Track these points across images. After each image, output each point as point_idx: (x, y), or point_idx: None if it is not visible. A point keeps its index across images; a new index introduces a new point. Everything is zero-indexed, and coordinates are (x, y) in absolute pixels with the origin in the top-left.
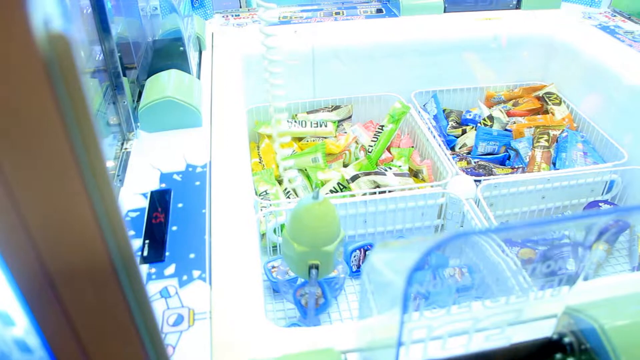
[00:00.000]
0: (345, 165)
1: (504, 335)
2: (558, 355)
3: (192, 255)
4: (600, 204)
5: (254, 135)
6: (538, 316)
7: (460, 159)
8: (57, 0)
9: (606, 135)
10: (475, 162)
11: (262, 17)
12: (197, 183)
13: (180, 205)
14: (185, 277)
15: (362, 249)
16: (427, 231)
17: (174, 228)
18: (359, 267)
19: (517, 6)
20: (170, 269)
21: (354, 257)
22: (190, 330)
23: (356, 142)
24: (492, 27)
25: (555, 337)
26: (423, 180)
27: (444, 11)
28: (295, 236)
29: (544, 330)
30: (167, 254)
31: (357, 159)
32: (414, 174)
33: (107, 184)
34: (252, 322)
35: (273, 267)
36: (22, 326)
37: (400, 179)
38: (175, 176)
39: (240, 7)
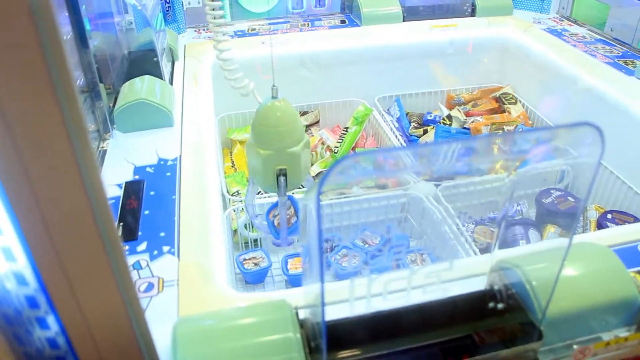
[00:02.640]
0: (312, 165)
1: (439, 288)
2: (491, 304)
3: (162, 234)
4: (552, 191)
5: (226, 142)
6: (475, 274)
7: (423, 174)
8: None
9: (554, 127)
10: (437, 176)
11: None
12: (168, 174)
13: (152, 193)
14: (155, 252)
15: (328, 240)
16: (391, 224)
17: (147, 212)
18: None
19: (472, 13)
20: (142, 246)
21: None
22: (160, 295)
23: (322, 143)
24: (448, 33)
25: (487, 288)
26: None
27: (403, 20)
28: (259, 140)
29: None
30: (139, 234)
31: (322, 158)
32: (381, 187)
33: (90, 153)
34: (215, 287)
35: (245, 259)
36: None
37: (365, 191)
38: (148, 169)
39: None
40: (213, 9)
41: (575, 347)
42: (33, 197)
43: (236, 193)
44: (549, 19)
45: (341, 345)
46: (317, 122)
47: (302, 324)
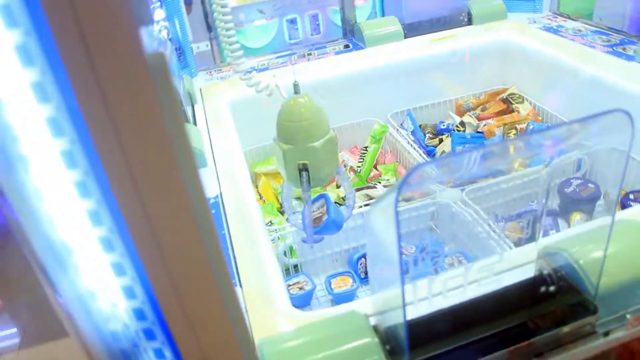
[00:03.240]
0: (338, 187)
1: (492, 280)
2: (542, 288)
3: None
4: (572, 180)
5: (251, 176)
6: (521, 263)
7: (447, 183)
8: (152, 34)
9: (566, 120)
10: (460, 182)
11: (237, 69)
12: (213, 211)
13: None
14: None
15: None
16: (423, 233)
17: None
18: (366, 273)
19: (469, 22)
20: None
21: (361, 264)
22: None
23: (344, 165)
24: (449, 44)
25: (537, 274)
26: None
27: (404, 37)
28: (281, 136)
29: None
30: None
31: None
32: (406, 199)
33: (190, 151)
34: (281, 309)
35: (289, 285)
36: None
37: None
38: None
39: (215, 63)
40: (228, 36)
41: (628, 316)
42: (155, 239)
43: (269, 223)
44: (543, 17)
45: (416, 344)
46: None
47: (374, 330)
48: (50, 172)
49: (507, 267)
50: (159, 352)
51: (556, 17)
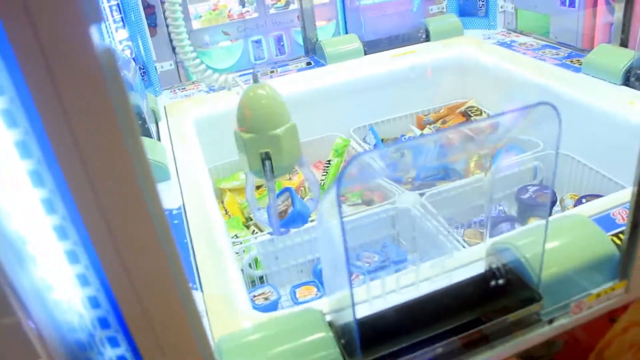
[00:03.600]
0: (303, 198)
1: (444, 277)
2: (492, 282)
3: None
4: (528, 187)
5: (216, 192)
6: (472, 260)
7: (404, 184)
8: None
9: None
10: (418, 183)
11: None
12: (176, 222)
13: None
14: None
15: None
16: (385, 240)
17: None
18: None
19: (427, 39)
20: None
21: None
22: None
23: (307, 179)
24: (409, 60)
25: (487, 269)
26: None
27: (365, 54)
28: (243, 125)
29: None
30: None
31: (310, 192)
32: (367, 203)
33: (147, 165)
34: (242, 311)
35: (254, 296)
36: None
37: (353, 208)
38: None
39: (181, 82)
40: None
41: (571, 304)
42: (111, 238)
43: (235, 237)
44: (497, 33)
45: (369, 339)
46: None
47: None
48: (2, 163)
49: (458, 264)
50: (113, 341)
51: (510, 33)
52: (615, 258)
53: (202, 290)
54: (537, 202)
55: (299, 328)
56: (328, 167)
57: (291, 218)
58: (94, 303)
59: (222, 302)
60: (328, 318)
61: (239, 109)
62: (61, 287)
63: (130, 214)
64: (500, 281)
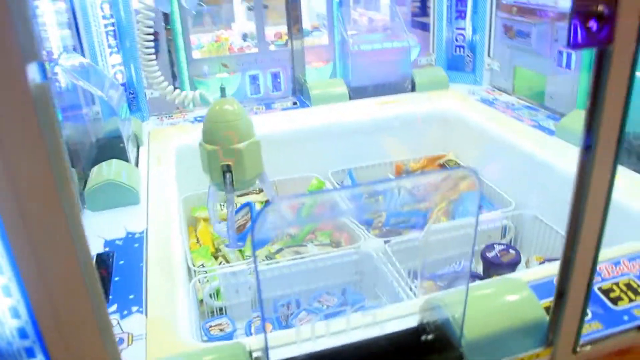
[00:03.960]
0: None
1: (377, 327)
2: (422, 337)
3: (131, 297)
4: (495, 245)
5: (191, 220)
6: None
7: (374, 228)
8: (41, 69)
9: (495, 187)
10: (386, 229)
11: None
12: (136, 245)
13: (121, 262)
14: (125, 312)
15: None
16: (347, 285)
17: (117, 279)
18: (287, 319)
19: (412, 89)
20: (113, 308)
21: (281, 312)
22: (129, 348)
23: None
24: (392, 108)
25: (419, 323)
26: None
27: (349, 99)
28: (207, 138)
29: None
30: (110, 297)
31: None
32: (335, 245)
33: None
34: (180, 338)
35: (211, 326)
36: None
37: (320, 248)
38: (117, 242)
39: (178, 109)
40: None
41: None
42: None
43: (201, 266)
44: (482, 90)
45: None
46: None
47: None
48: None
49: (391, 316)
50: (30, 352)
51: (494, 91)
52: (544, 325)
53: (146, 314)
54: (501, 261)
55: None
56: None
57: (248, 232)
58: (14, 313)
59: (164, 327)
60: (256, 354)
61: (204, 122)
62: None
63: (51, 234)
64: (430, 336)
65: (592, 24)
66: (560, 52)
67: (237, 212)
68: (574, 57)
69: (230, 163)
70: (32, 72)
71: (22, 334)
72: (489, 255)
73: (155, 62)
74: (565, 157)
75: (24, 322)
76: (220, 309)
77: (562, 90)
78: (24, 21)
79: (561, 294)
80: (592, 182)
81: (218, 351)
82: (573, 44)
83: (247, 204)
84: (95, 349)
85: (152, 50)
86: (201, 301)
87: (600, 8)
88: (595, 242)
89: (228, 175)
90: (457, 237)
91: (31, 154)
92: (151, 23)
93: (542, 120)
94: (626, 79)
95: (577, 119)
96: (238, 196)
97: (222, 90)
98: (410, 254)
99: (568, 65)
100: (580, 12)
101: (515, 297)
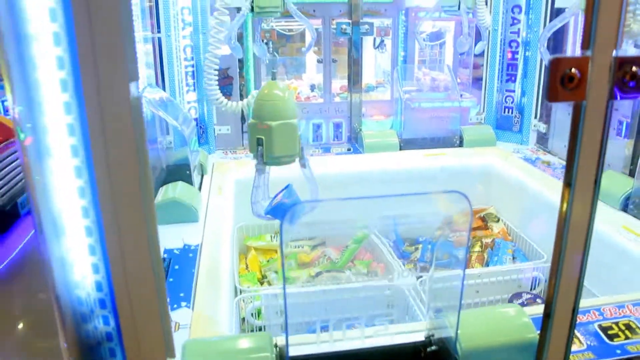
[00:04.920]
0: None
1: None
2: (428, 348)
3: (182, 294)
4: (523, 294)
5: (242, 248)
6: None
7: (409, 262)
8: (137, 87)
9: (528, 240)
10: (420, 265)
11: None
12: (190, 255)
13: (176, 267)
14: (175, 306)
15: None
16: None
17: (171, 279)
18: None
19: (460, 144)
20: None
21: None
22: (175, 333)
23: (324, 255)
24: (439, 161)
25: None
26: None
27: (400, 149)
28: (252, 113)
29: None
30: None
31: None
32: (372, 274)
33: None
34: (218, 330)
35: None
36: None
37: (357, 277)
38: (175, 251)
39: (243, 145)
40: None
41: None
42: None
43: (247, 287)
44: (527, 149)
45: None
46: (324, 242)
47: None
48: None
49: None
50: (106, 320)
51: (538, 150)
52: (534, 343)
53: (192, 309)
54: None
55: (249, 345)
56: (345, 250)
57: (275, 208)
58: (99, 287)
59: (206, 320)
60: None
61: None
62: (79, 270)
63: (132, 227)
64: (433, 348)
65: (567, 84)
66: (620, 122)
67: (285, 193)
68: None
69: (262, 137)
70: (133, 88)
71: (102, 304)
72: (516, 302)
73: (215, 76)
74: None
75: (104, 294)
76: (260, 328)
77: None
78: (131, 50)
79: (548, 316)
80: (573, 216)
81: (249, 337)
82: (550, 99)
83: (288, 186)
84: (154, 321)
85: (216, 67)
86: (243, 320)
87: (574, 71)
88: (578, 269)
89: (259, 148)
90: (488, 284)
91: (127, 157)
92: (219, 47)
93: None
94: (600, 129)
95: (609, 179)
96: None
97: (273, 74)
98: (440, 294)
99: (620, 133)
100: (556, 74)
101: (513, 319)
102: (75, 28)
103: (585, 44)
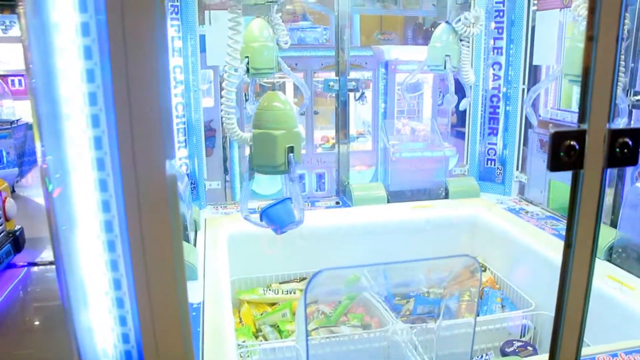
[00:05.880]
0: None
1: None
2: None
3: None
4: (514, 342)
5: (235, 302)
6: None
7: (402, 315)
8: (172, 165)
9: (517, 289)
10: (413, 317)
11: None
12: (194, 314)
13: None
14: None
15: None
16: None
17: None
18: None
19: (446, 196)
20: None
21: None
22: None
23: (318, 310)
24: (426, 212)
25: None
26: None
27: (387, 202)
28: (268, 124)
29: None
30: None
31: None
32: (365, 327)
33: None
34: None
35: None
36: None
37: (352, 329)
38: None
39: (226, 200)
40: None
41: None
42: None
43: (242, 341)
44: (510, 199)
45: None
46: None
47: None
48: (90, 236)
49: None
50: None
51: (521, 201)
52: None
53: None
54: (520, 357)
55: None
56: (338, 304)
57: (271, 211)
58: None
59: None
60: None
61: (264, 109)
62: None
63: (160, 271)
64: None
65: (568, 155)
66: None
67: (276, 204)
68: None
69: (293, 145)
70: (169, 166)
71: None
72: (508, 350)
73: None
74: None
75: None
76: None
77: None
78: (167, 129)
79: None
80: (573, 274)
81: None
82: (551, 168)
83: (287, 199)
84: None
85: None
86: None
87: (572, 143)
88: (578, 325)
89: (291, 155)
90: (478, 333)
91: (160, 224)
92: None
93: (562, 229)
94: (596, 195)
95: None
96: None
97: (273, 85)
98: (435, 344)
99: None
100: (558, 146)
101: None
102: (115, 109)
103: (581, 118)
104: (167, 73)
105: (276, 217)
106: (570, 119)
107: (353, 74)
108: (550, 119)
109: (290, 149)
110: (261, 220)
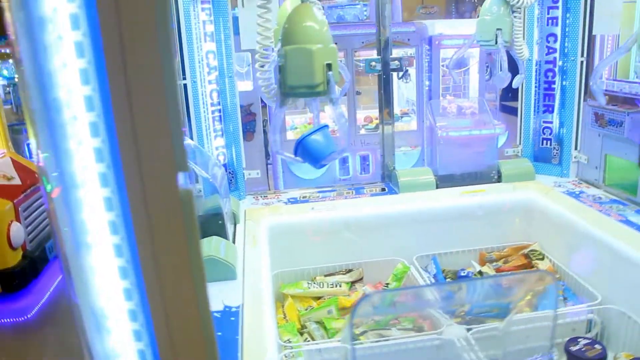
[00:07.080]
0: None
1: None
2: None
3: None
4: (579, 339)
5: (279, 296)
6: None
7: (456, 317)
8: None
9: (580, 280)
10: (469, 318)
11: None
12: (232, 319)
13: (219, 333)
14: None
15: None
16: None
17: None
18: None
19: (498, 180)
20: None
21: None
22: None
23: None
24: (478, 198)
25: None
26: None
27: (436, 187)
28: (304, 38)
29: None
30: None
31: None
32: (417, 329)
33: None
34: None
35: None
36: None
37: (403, 332)
38: (215, 314)
39: (269, 189)
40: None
41: None
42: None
43: (287, 341)
44: (569, 182)
45: None
46: (361, 279)
47: None
48: (103, 257)
49: None
50: None
51: (580, 183)
52: None
53: None
54: (586, 356)
55: None
56: (385, 289)
57: (307, 141)
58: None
59: None
60: None
61: (297, 23)
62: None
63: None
64: None
65: None
66: None
67: (313, 132)
68: None
69: (331, 62)
70: (181, 179)
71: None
72: (573, 349)
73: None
74: None
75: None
76: None
77: None
78: (179, 141)
79: None
80: None
81: None
82: None
83: (325, 126)
84: None
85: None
86: None
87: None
88: None
89: (330, 73)
90: (538, 329)
91: (174, 244)
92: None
93: (630, 215)
94: None
95: None
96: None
97: None
98: (493, 342)
99: None
100: None
101: None
102: (114, 116)
103: None
104: (174, 70)
105: (313, 148)
106: (628, 90)
107: (395, 52)
108: (606, 90)
109: (329, 67)
110: (296, 154)
